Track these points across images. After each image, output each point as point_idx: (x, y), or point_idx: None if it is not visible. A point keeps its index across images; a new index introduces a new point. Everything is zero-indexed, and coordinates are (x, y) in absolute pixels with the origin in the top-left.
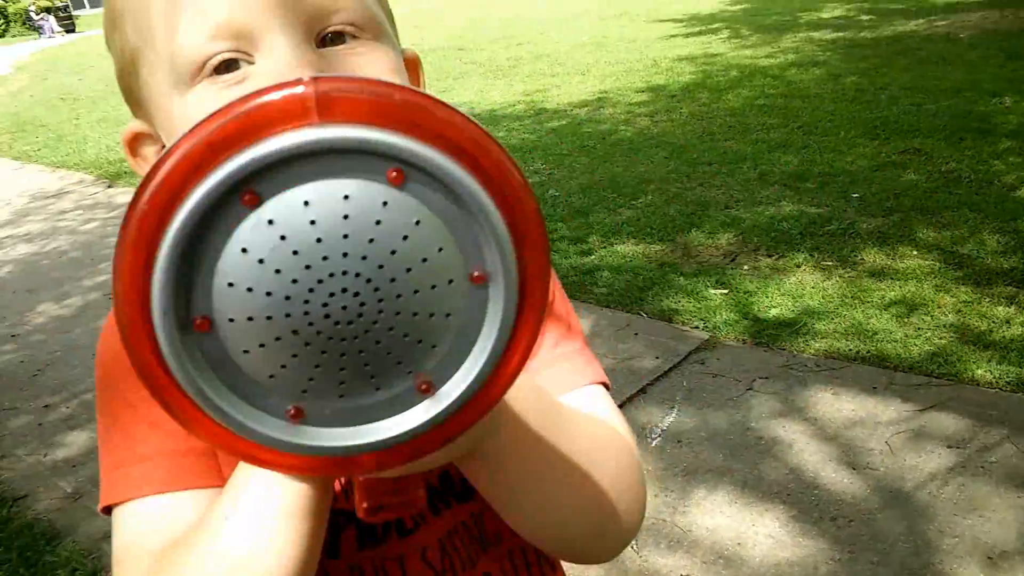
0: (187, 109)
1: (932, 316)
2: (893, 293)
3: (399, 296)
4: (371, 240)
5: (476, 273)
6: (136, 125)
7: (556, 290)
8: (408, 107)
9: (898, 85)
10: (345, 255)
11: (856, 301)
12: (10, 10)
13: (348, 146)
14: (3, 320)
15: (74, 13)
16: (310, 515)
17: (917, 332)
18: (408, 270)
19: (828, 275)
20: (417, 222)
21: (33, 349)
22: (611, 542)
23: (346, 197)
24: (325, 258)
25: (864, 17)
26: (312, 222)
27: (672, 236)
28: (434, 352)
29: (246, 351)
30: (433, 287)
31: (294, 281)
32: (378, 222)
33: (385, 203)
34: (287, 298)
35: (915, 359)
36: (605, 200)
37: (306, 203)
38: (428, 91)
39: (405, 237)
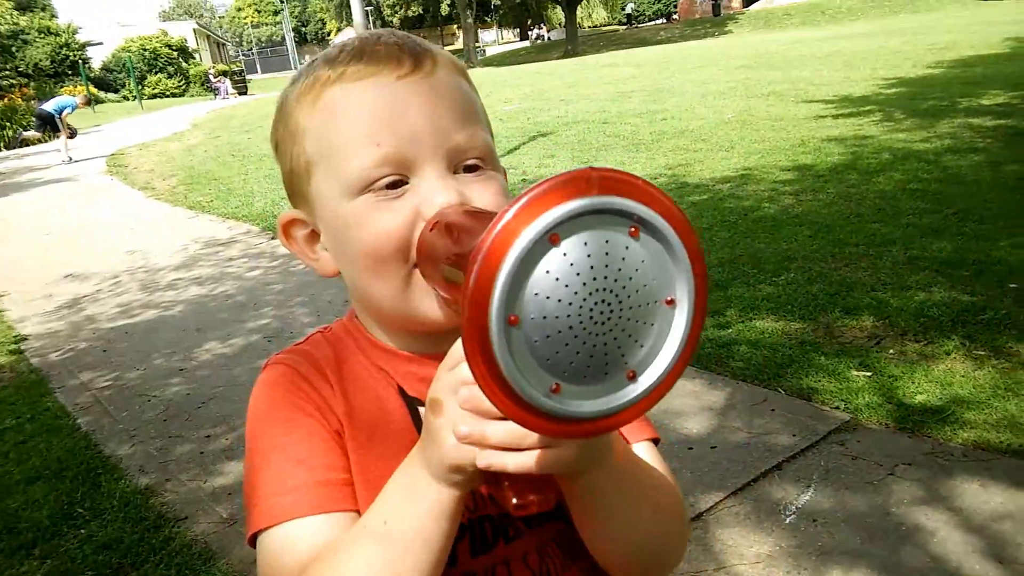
0: (354, 212)
1: None
2: None
3: (631, 307)
4: (619, 269)
5: (669, 298)
6: (294, 213)
7: None
8: (642, 188)
9: None
10: (605, 278)
11: (1010, 393)
12: (191, 72)
13: (613, 209)
14: (173, 355)
15: (247, 77)
16: (450, 518)
17: None
18: (637, 291)
19: (980, 365)
20: (643, 260)
21: (198, 383)
22: (665, 568)
23: (606, 241)
24: (595, 279)
25: None
26: (588, 255)
27: (814, 315)
28: (640, 350)
29: (536, 341)
30: (648, 304)
31: (575, 293)
32: (623, 258)
33: (627, 247)
34: (569, 303)
35: None
36: (745, 275)
37: (585, 243)
38: (650, 181)
39: (637, 269)
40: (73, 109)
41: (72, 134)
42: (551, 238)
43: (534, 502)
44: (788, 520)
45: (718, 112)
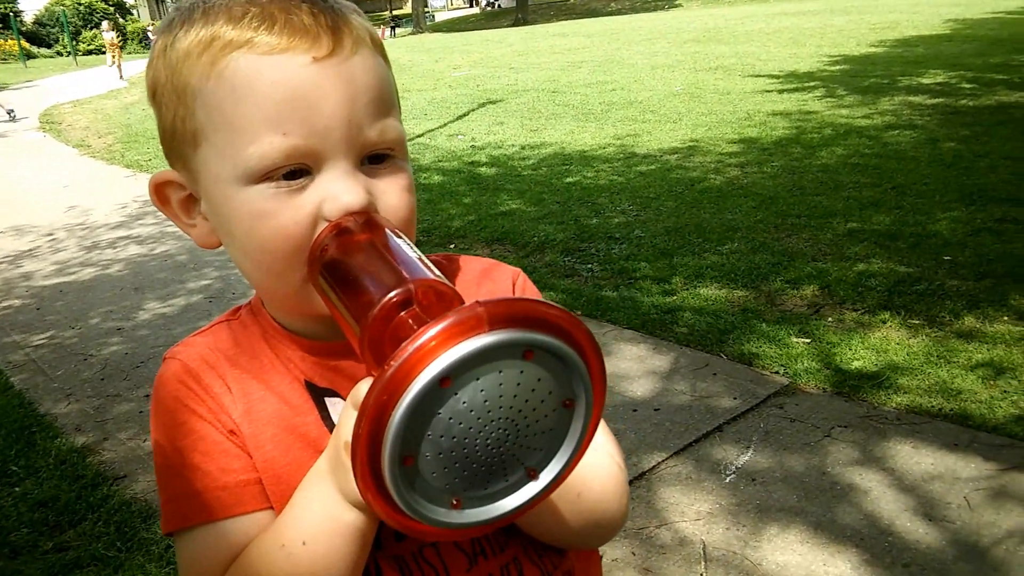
0: (249, 202)
1: (1020, 380)
2: (980, 355)
3: (527, 425)
4: (515, 395)
5: (567, 400)
6: (170, 174)
7: None
8: (532, 313)
9: (998, 154)
10: (500, 407)
11: (942, 360)
12: (128, 28)
13: (505, 343)
14: (111, 314)
15: None
16: (367, 535)
17: (1003, 395)
18: (533, 409)
19: (914, 333)
20: (539, 379)
21: (137, 343)
22: (600, 539)
23: (500, 371)
24: (489, 411)
25: (966, 85)
26: (481, 390)
27: (756, 283)
28: (539, 452)
29: (433, 473)
30: (545, 415)
31: (470, 428)
32: (518, 383)
33: (522, 371)
34: (465, 439)
35: (1000, 421)
36: (690, 244)
37: (477, 378)
38: (537, 296)
39: (533, 389)
40: None
41: None
42: (443, 383)
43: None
44: (728, 479)
45: (667, 84)
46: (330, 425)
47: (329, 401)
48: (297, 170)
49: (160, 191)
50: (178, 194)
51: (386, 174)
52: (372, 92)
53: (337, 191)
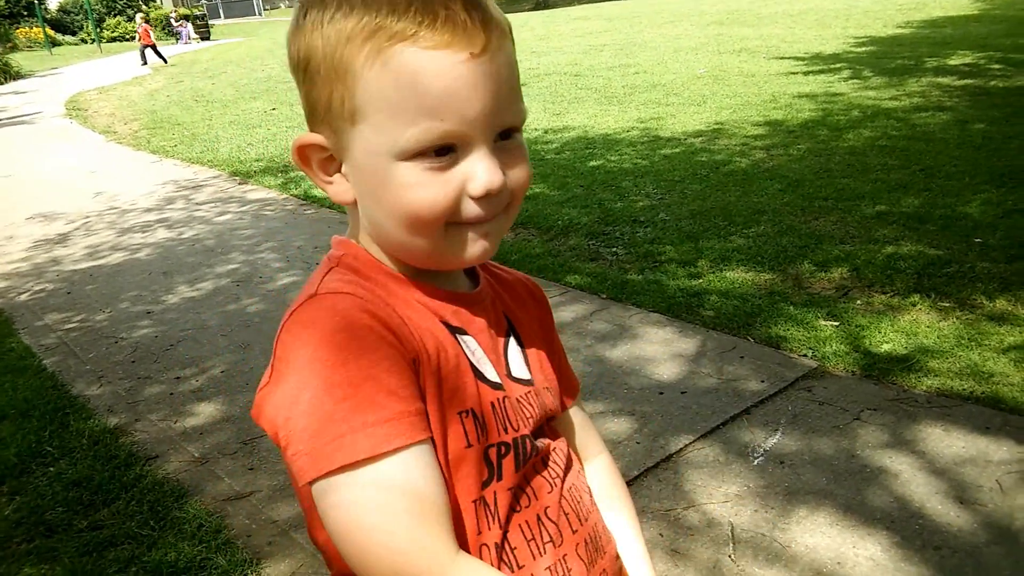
0: (402, 175)
1: None
2: (1013, 338)
3: None
4: None
5: None
6: (316, 138)
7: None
8: None
9: None
10: None
11: (973, 343)
12: (152, 16)
13: None
14: (141, 298)
15: (210, 22)
16: None
17: None
18: None
19: (945, 316)
20: None
21: (167, 326)
22: None
23: None
24: None
25: (995, 66)
26: None
27: (783, 266)
28: None
29: None
30: None
31: None
32: None
33: None
34: None
35: None
36: (716, 227)
37: None
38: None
39: None
40: None
41: None
42: None
43: None
44: (756, 462)
45: (690, 67)
46: (471, 360)
47: (462, 339)
48: (445, 147)
49: (302, 152)
50: (319, 155)
51: (514, 149)
52: (512, 81)
53: (479, 172)
